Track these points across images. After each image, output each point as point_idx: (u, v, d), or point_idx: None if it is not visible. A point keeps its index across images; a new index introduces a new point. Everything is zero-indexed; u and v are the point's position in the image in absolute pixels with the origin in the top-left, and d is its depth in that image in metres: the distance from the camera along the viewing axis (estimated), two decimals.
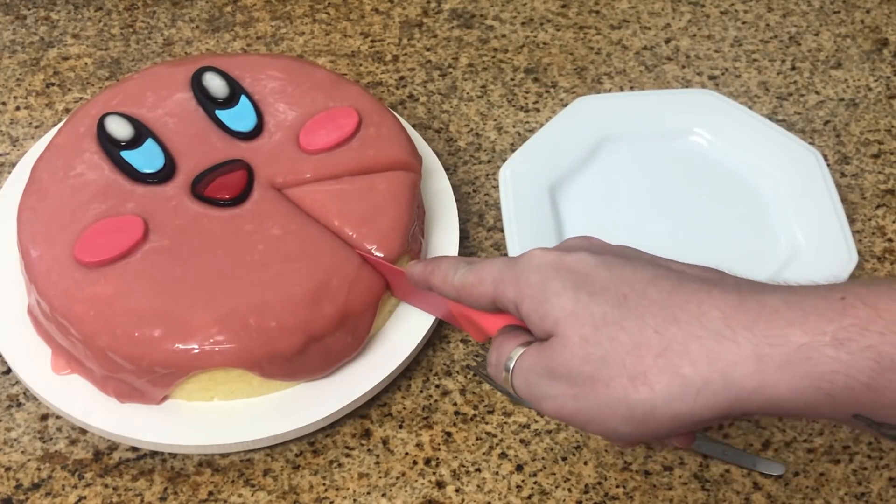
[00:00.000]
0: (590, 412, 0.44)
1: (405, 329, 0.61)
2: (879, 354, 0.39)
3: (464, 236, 0.70)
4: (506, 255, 0.67)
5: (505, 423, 0.61)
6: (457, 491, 0.58)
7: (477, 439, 0.60)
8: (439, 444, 0.60)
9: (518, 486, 0.58)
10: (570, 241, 0.49)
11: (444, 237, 0.66)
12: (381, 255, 0.60)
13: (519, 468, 0.59)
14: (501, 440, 0.60)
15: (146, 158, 0.62)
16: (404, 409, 0.61)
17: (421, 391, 0.62)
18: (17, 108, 0.77)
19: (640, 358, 0.43)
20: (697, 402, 0.42)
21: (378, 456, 0.59)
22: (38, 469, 0.59)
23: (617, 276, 0.45)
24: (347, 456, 0.59)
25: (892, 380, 0.39)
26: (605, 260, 0.46)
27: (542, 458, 0.59)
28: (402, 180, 0.63)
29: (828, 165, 0.73)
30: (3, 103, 0.77)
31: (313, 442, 0.60)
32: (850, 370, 0.39)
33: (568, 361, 0.44)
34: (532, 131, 0.76)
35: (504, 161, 0.72)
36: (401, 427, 0.61)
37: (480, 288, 0.48)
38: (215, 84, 0.66)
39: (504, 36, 0.83)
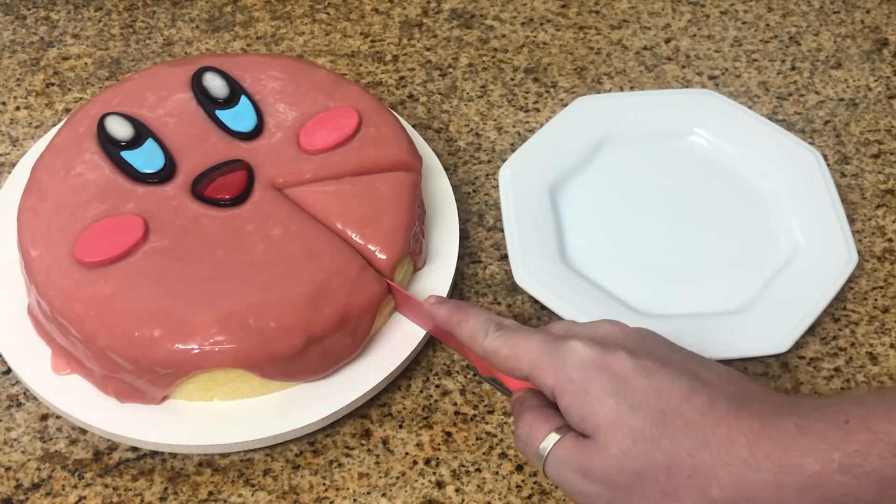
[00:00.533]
0: None
1: (405, 329, 0.61)
2: (882, 476, 0.44)
3: (464, 236, 0.70)
4: (506, 256, 0.67)
5: (505, 423, 0.61)
6: (457, 491, 0.58)
7: (477, 439, 0.60)
8: (439, 444, 0.60)
9: (518, 486, 0.58)
10: (602, 326, 0.52)
11: (444, 237, 0.66)
12: (384, 256, 0.59)
13: (519, 468, 0.59)
14: (501, 440, 0.60)
15: (146, 158, 0.62)
16: (404, 409, 0.61)
17: (421, 391, 0.62)
18: (17, 108, 0.77)
19: (673, 476, 0.47)
20: None
21: (378, 456, 0.59)
22: (38, 469, 0.59)
23: (655, 388, 0.48)
24: (347, 456, 0.59)
25: (894, 496, 0.45)
26: (643, 365, 0.49)
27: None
28: (403, 181, 0.63)
29: (828, 165, 0.73)
30: (3, 103, 0.77)
31: (313, 442, 0.60)
32: (857, 492, 0.45)
33: (606, 469, 0.48)
34: (532, 131, 0.76)
35: (504, 161, 0.72)
36: (401, 427, 0.61)
37: (515, 363, 0.51)
38: (215, 84, 0.66)
39: (504, 36, 0.84)
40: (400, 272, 0.61)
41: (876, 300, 0.67)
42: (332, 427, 0.60)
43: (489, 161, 0.75)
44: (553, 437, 0.50)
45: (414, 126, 0.74)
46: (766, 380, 0.63)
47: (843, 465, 0.45)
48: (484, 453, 0.60)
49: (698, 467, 0.47)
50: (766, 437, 0.46)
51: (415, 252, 0.62)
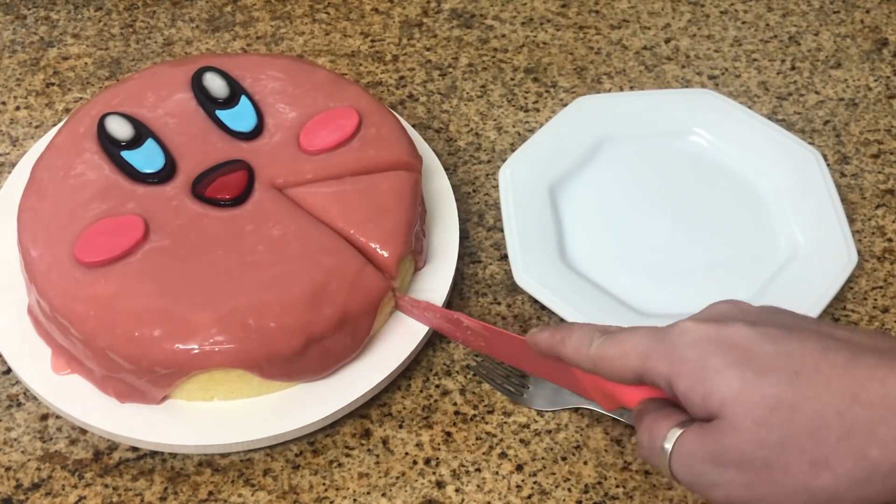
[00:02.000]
0: (765, 501, 0.42)
1: (405, 329, 0.62)
2: None
3: (463, 236, 0.70)
4: (505, 256, 0.67)
5: (505, 422, 0.61)
6: (457, 491, 0.58)
7: (477, 439, 0.60)
8: (439, 444, 0.60)
9: (518, 486, 0.58)
10: (718, 307, 0.47)
11: (444, 237, 0.66)
12: (387, 254, 0.59)
13: (519, 468, 0.59)
14: (501, 440, 0.60)
15: (146, 158, 0.62)
16: (404, 408, 0.61)
17: (421, 391, 0.62)
18: (18, 108, 0.77)
19: (821, 441, 0.41)
20: (886, 486, 0.40)
21: (378, 456, 0.59)
22: (38, 469, 0.59)
23: (784, 350, 0.42)
24: (347, 456, 0.59)
25: None
26: (766, 332, 0.43)
27: (542, 458, 0.59)
28: (404, 180, 0.63)
29: (827, 165, 0.73)
30: (3, 103, 0.77)
31: (313, 442, 0.60)
32: None
33: (740, 446, 0.42)
34: (532, 131, 0.76)
35: (504, 161, 0.72)
36: (401, 427, 0.61)
37: (624, 361, 0.46)
38: (215, 84, 0.66)
39: (504, 36, 0.84)
40: (401, 271, 0.61)
41: (876, 300, 0.67)
42: (332, 427, 0.60)
43: (489, 161, 0.75)
44: (676, 432, 0.44)
45: (414, 126, 0.74)
46: None
47: None
48: (484, 453, 0.60)
49: (851, 426, 0.41)
50: None
51: (416, 251, 0.62)
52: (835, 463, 0.41)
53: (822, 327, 0.44)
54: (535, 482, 0.59)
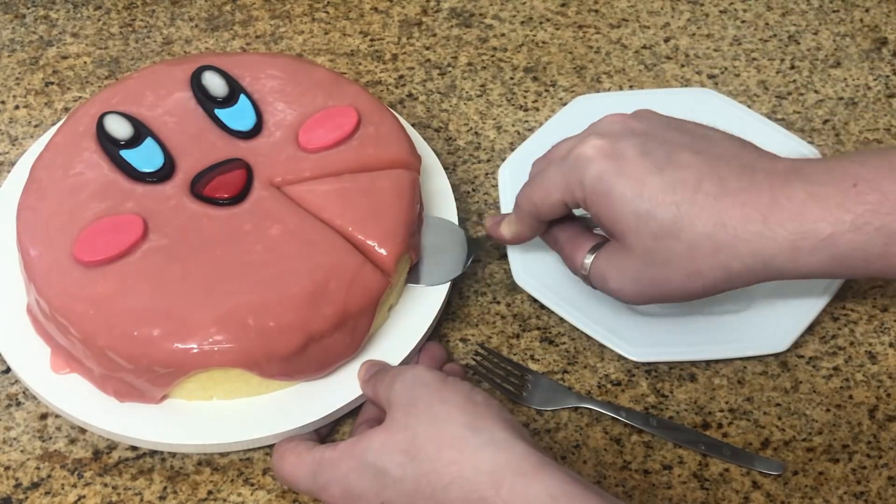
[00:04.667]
0: (652, 298, 0.56)
1: (404, 328, 0.62)
2: (890, 231, 0.50)
3: None
4: (505, 255, 0.67)
5: None
6: None
7: None
8: None
9: None
10: (604, 122, 0.59)
11: None
12: (385, 252, 0.59)
13: None
14: None
15: (145, 157, 0.62)
16: None
17: None
18: (17, 107, 0.77)
19: (695, 259, 0.53)
20: (740, 281, 0.54)
21: None
22: (38, 468, 0.59)
23: (668, 182, 0.53)
24: None
25: None
26: (654, 160, 0.54)
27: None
28: (403, 178, 0.63)
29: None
30: (3, 102, 0.77)
31: None
32: (866, 246, 0.51)
33: (633, 266, 0.55)
34: (531, 130, 0.76)
35: (503, 160, 0.72)
36: None
37: (550, 198, 0.57)
38: (215, 83, 0.66)
39: (503, 35, 0.83)
40: (399, 269, 0.61)
41: (875, 299, 0.67)
42: (331, 426, 0.60)
43: (488, 160, 0.75)
44: (589, 257, 0.58)
45: (413, 125, 0.74)
46: (766, 379, 0.63)
47: (854, 224, 0.50)
48: None
49: (718, 247, 0.52)
50: (780, 209, 0.52)
51: (412, 248, 0.62)
52: (705, 273, 0.54)
53: (697, 143, 0.55)
54: None
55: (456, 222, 0.67)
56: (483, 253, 0.69)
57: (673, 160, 0.54)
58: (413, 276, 0.63)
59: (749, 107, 0.77)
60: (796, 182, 0.52)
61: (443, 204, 0.67)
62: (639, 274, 0.55)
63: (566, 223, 0.61)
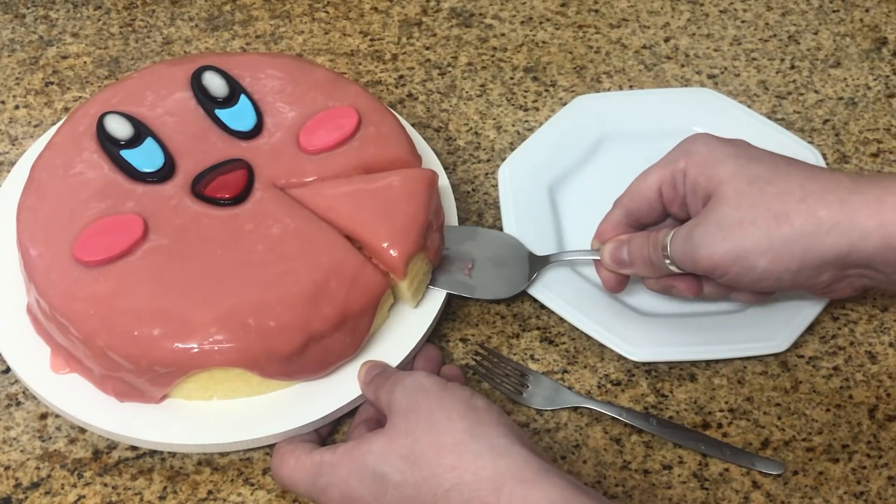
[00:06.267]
0: (736, 250, 0.54)
1: (404, 328, 0.61)
2: None
3: None
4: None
5: None
6: None
7: None
8: None
9: None
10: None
11: None
12: (396, 253, 0.59)
13: None
14: None
15: (146, 157, 0.62)
16: None
17: None
18: (17, 107, 0.77)
19: (784, 203, 0.54)
20: (826, 240, 0.53)
21: None
22: (38, 468, 0.59)
23: (770, 154, 0.57)
24: None
25: None
26: (758, 147, 0.58)
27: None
28: (417, 178, 0.62)
29: (827, 164, 0.73)
30: (3, 102, 0.77)
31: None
32: None
33: (723, 212, 0.55)
34: (531, 130, 0.76)
35: (503, 160, 0.72)
36: None
37: (648, 180, 0.60)
38: (215, 83, 0.66)
39: (503, 35, 0.83)
40: (412, 270, 0.61)
41: (875, 299, 0.67)
42: (332, 426, 0.60)
43: (488, 160, 0.75)
44: (671, 232, 0.58)
45: (413, 125, 0.74)
46: (766, 378, 0.63)
47: None
48: None
49: (808, 194, 0.54)
50: (868, 178, 0.54)
51: (431, 250, 0.62)
52: (793, 217, 0.53)
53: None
54: None
55: (456, 222, 0.67)
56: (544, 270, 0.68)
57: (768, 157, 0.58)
58: (466, 287, 0.63)
59: (749, 107, 0.77)
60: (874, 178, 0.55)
61: (443, 204, 0.67)
62: (726, 220, 0.54)
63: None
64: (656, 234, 0.59)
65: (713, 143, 0.58)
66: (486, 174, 0.74)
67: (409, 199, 0.61)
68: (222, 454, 0.59)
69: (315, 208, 0.61)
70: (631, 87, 0.80)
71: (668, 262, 0.58)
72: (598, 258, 0.62)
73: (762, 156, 0.57)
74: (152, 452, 0.59)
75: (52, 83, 0.79)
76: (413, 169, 0.63)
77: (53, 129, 0.68)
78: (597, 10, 0.86)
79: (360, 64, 0.81)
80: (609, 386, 0.63)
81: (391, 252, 0.59)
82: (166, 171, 0.61)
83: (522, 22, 0.85)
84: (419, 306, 0.62)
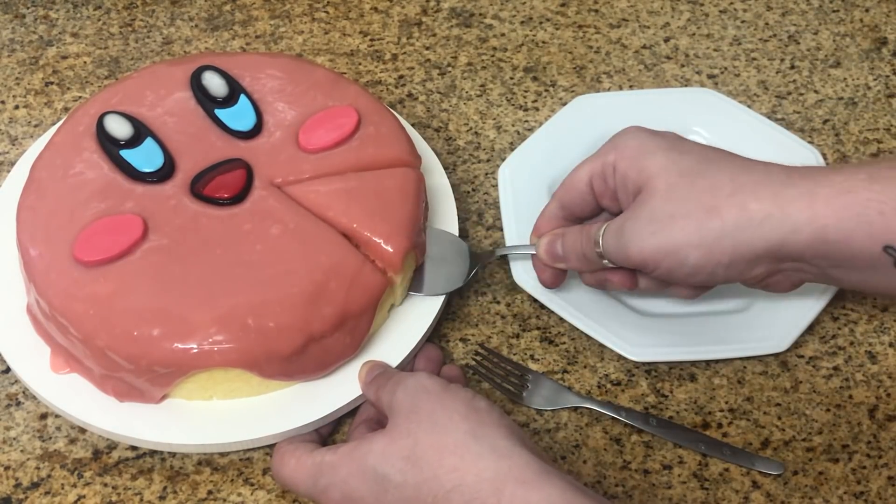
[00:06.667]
0: (666, 245, 0.54)
1: (404, 328, 0.61)
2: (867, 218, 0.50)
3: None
4: (505, 255, 0.67)
5: None
6: None
7: None
8: None
9: None
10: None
11: None
12: (392, 249, 0.59)
13: None
14: None
15: (145, 157, 0.62)
16: None
17: None
18: (16, 107, 0.77)
19: (715, 196, 0.53)
20: (756, 234, 0.52)
21: None
22: (38, 468, 0.59)
23: (701, 147, 0.56)
24: None
25: None
26: (688, 140, 0.58)
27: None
28: (409, 176, 0.63)
29: (827, 164, 0.73)
30: (2, 102, 0.77)
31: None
32: (882, 197, 0.50)
33: (653, 206, 0.54)
34: (531, 130, 0.76)
35: (503, 160, 0.72)
36: None
37: (580, 174, 0.59)
38: (215, 83, 0.66)
39: (503, 35, 0.83)
40: (405, 267, 0.61)
41: (875, 299, 0.67)
42: (333, 425, 0.60)
43: (488, 160, 0.75)
44: (602, 227, 0.57)
45: (413, 125, 0.74)
46: (766, 378, 0.63)
47: (870, 175, 0.51)
48: None
49: (739, 187, 0.53)
50: (801, 171, 0.53)
51: (419, 247, 0.62)
52: (724, 210, 0.53)
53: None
54: None
55: (456, 222, 0.67)
56: (484, 267, 0.68)
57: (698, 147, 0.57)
58: (416, 284, 0.63)
59: (749, 107, 0.77)
60: (819, 168, 0.55)
61: (443, 203, 0.67)
62: (657, 214, 0.54)
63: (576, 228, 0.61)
64: (589, 228, 0.59)
65: (643, 135, 0.57)
66: (486, 174, 0.74)
67: (403, 197, 0.61)
68: (222, 454, 0.59)
69: (310, 206, 0.61)
70: (631, 87, 0.80)
71: (600, 256, 0.58)
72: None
73: (693, 148, 0.56)
74: (152, 452, 0.59)
75: (52, 83, 0.79)
76: (402, 168, 0.63)
77: (53, 129, 0.68)
78: (597, 10, 0.86)
79: (360, 64, 0.81)
80: (609, 386, 0.63)
81: (388, 248, 0.59)
82: (166, 171, 0.61)
83: (522, 22, 0.85)
84: (418, 306, 0.62)
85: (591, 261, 0.59)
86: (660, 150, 0.56)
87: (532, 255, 0.63)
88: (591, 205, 0.61)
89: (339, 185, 0.62)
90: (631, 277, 0.60)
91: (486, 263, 0.66)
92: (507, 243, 0.67)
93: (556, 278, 0.63)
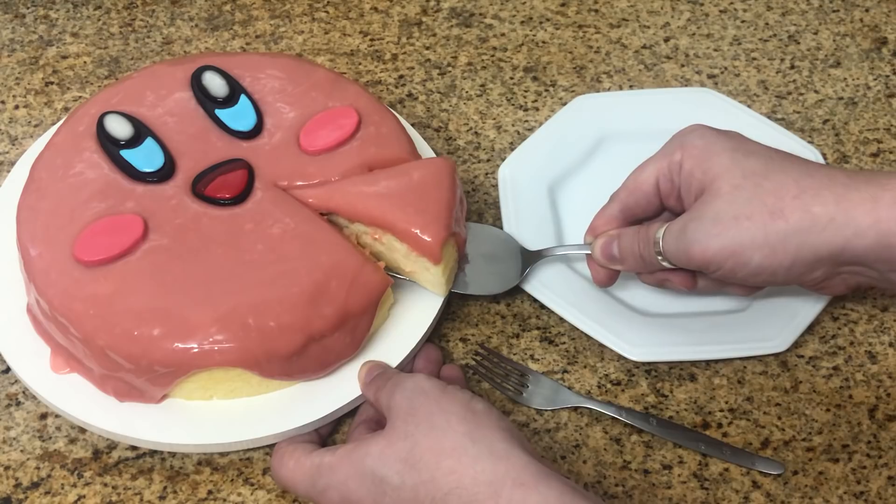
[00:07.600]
0: (730, 245, 0.54)
1: (404, 327, 0.61)
2: None
3: None
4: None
5: None
6: None
7: None
8: None
9: None
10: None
11: None
12: (428, 238, 0.59)
13: None
14: None
15: (146, 157, 0.62)
16: None
17: None
18: (17, 107, 0.77)
19: (780, 198, 0.54)
20: (820, 237, 0.53)
21: None
22: (38, 468, 0.59)
23: (765, 148, 0.57)
24: None
25: None
26: (753, 140, 0.58)
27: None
28: (441, 166, 0.62)
29: (827, 164, 0.73)
30: (3, 102, 0.77)
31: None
32: None
33: (718, 207, 0.55)
34: (531, 130, 0.76)
35: (503, 160, 0.72)
36: None
37: (645, 173, 0.60)
38: (215, 83, 0.66)
39: (503, 35, 0.83)
40: (445, 256, 0.60)
41: (875, 299, 0.67)
42: (333, 425, 0.60)
43: (488, 160, 0.75)
44: (663, 226, 0.57)
45: (413, 125, 0.74)
46: (765, 378, 0.63)
47: None
48: None
49: (803, 189, 0.53)
50: (865, 175, 0.54)
51: (458, 237, 0.62)
52: (788, 213, 0.53)
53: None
54: None
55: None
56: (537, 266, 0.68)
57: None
58: (464, 283, 0.63)
59: (749, 107, 0.77)
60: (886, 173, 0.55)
61: None
62: (721, 215, 0.54)
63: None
64: (647, 229, 0.59)
65: (710, 135, 0.58)
66: (486, 174, 0.74)
67: (436, 186, 0.61)
68: (222, 454, 0.59)
69: (336, 208, 0.61)
70: (631, 86, 0.80)
71: (659, 257, 0.58)
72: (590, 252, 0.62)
73: (758, 150, 0.57)
74: (152, 452, 0.59)
75: (52, 83, 0.79)
76: (431, 158, 0.63)
77: (53, 128, 0.68)
78: (597, 10, 0.86)
79: (360, 64, 0.81)
80: (609, 386, 0.63)
81: (426, 237, 0.59)
82: (166, 171, 0.61)
83: (522, 22, 0.85)
84: (418, 306, 0.62)
85: (648, 262, 0.59)
86: (725, 151, 0.56)
87: (587, 255, 0.63)
88: (656, 205, 0.61)
89: (367, 185, 0.61)
90: (691, 277, 0.61)
91: (538, 262, 0.65)
92: None
93: (610, 278, 0.63)
